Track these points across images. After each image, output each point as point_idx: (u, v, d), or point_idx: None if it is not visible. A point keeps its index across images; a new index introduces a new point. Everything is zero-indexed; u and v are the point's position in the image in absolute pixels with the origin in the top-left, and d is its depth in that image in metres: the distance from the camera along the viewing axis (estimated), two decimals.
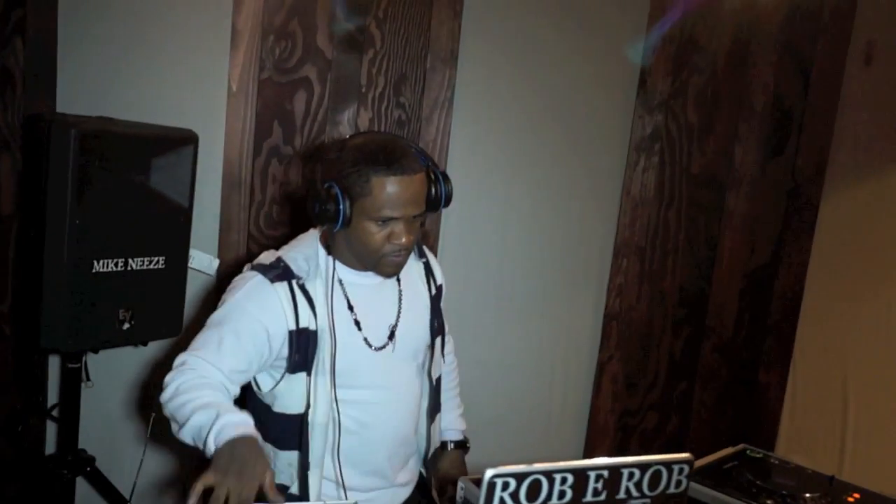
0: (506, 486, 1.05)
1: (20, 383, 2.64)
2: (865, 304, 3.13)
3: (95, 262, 2.27)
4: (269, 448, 1.81)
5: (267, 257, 1.86)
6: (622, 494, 1.15)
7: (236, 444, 1.54)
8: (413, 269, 1.98)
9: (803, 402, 3.30)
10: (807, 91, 3.15)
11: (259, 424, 1.68)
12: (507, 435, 3.05)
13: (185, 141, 2.47)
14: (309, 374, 1.78)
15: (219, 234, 2.81)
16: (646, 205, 3.13)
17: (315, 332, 1.77)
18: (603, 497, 1.14)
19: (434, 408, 2.03)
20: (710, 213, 3.22)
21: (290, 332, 1.76)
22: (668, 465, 1.19)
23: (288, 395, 1.82)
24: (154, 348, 2.71)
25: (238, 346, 1.74)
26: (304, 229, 2.91)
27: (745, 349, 3.33)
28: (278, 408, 1.84)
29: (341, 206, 1.71)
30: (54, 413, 2.67)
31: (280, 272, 1.78)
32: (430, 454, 2.03)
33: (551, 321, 3.16)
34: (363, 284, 1.86)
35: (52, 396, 2.74)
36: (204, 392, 1.67)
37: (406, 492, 2.01)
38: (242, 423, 1.60)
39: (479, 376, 3.08)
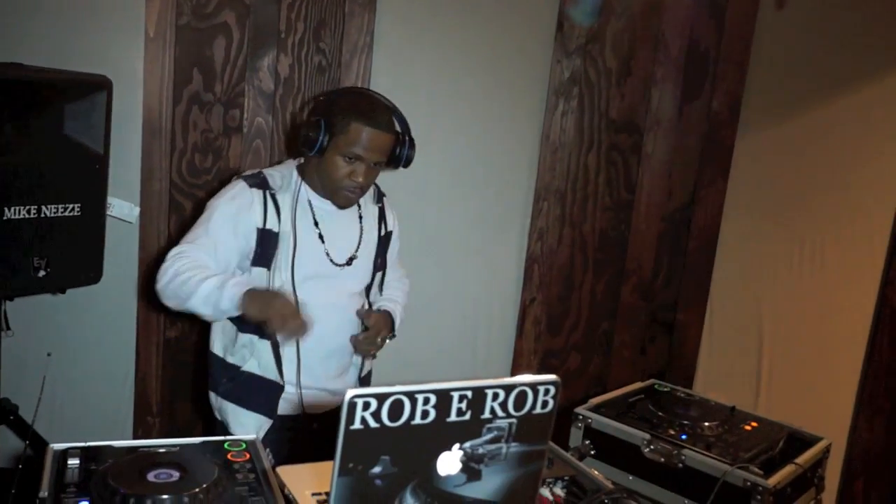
0: (367, 405, 1.09)
1: None
2: (779, 243, 3.20)
3: (6, 209, 2.26)
4: (229, 325, 2.16)
5: (251, 171, 2.20)
6: (487, 414, 1.18)
7: (255, 291, 1.98)
8: (369, 211, 2.31)
9: (720, 340, 3.39)
10: (721, 35, 3.19)
11: None
12: (431, 377, 3.10)
13: (98, 86, 2.45)
14: (268, 269, 2.11)
15: (140, 182, 2.81)
16: (565, 149, 3.17)
17: (277, 234, 2.11)
18: (468, 417, 1.17)
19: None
20: (629, 156, 3.27)
21: (258, 230, 2.10)
22: (533, 386, 1.22)
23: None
24: (75, 295, 2.71)
25: (224, 237, 2.08)
26: (228, 176, 2.93)
27: (663, 290, 3.42)
28: None
29: (321, 137, 2.07)
30: None
31: (258, 181, 2.13)
32: (362, 372, 2.34)
33: (474, 264, 3.21)
34: (328, 209, 2.19)
35: None
36: (201, 270, 2.02)
37: (337, 400, 2.07)
38: (248, 282, 2.04)
39: (403, 320, 3.13)
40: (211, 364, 2.22)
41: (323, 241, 2.18)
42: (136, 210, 2.78)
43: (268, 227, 2.11)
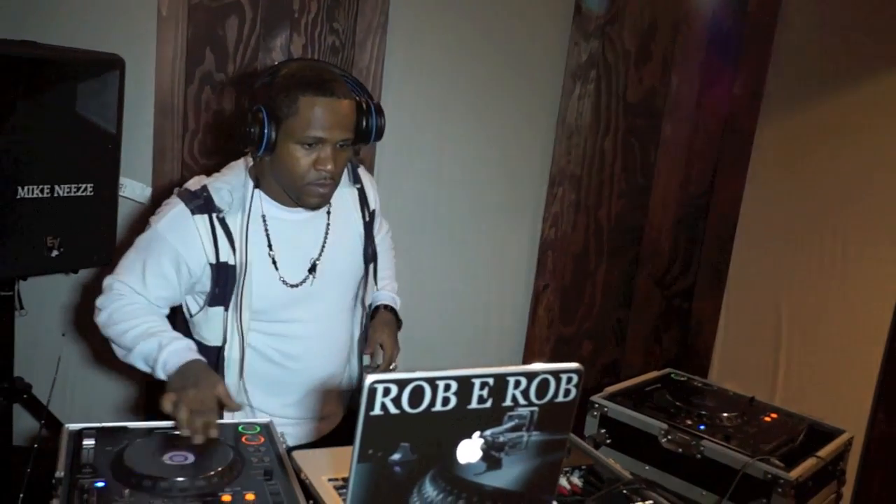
0: (387, 391, 1.06)
1: None
2: (799, 233, 3.14)
3: (20, 189, 2.24)
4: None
5: (194, 183, 1.84)
6: (508, 402, 1.17)
7: (186, 367, 1.63)
8: (346, 197, 1.95)
9: (736, 331, 3.35)
10: (744, 17, 3.14)
11: None
12: (441, 364, 3.09)
13: (111, 65, 2.42)
14: (226, 309, 1.79)
15: (152, 162, 2.78)
16: (581, 133, 3.13)
17: (234, 267, 1.77)
18: (489, 405, 1.15)
19: (366, 337, 2.04)
20: (647, 141, 3.23)
21: (211, 266, 1.76)
22: (555, 374, 1.20)
23: (205, 326, 1.84)
24: (87, 275, 2.70)
25: (160, 274, 1.76)
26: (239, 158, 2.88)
27: (679, 278, 3.39)
28: (196, 335, 1.86)
29: (266, 130, 1.68)
30: None
31: (202, 203, 1.76)
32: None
33: (487, 251, 3.18)
34: (287, 220, 1.83)
35: None
36: (139, 320, 1.73)
37: (330, 424, 2.02)
38: (186, 348, 1.68)
39: (415, 306, 3.10)
40: None
41: (276, 267, 1.82)
42: (148, 191, 2.76)
43: (221, 259, 1.76)
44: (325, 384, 1.94)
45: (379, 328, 2.03)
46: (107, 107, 2.43)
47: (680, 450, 2.01)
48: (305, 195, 1.76)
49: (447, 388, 1.11)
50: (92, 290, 2.78)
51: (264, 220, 1.81)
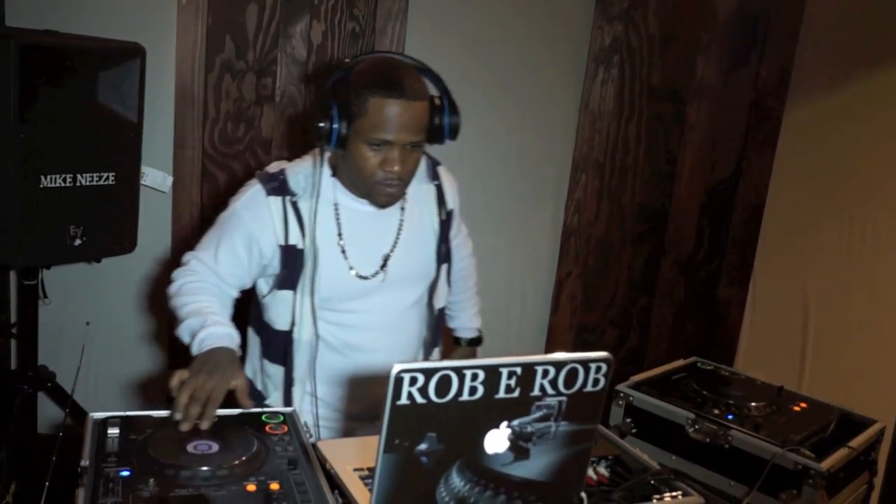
0: (414, 381, 1.05)
1: None
2: (828, 218, 3.10)
3: (43, 178, 2.25)
4: (257, 358, 1.89)
5: (274, 166, 1.85)
6: (536, 392, 1.15)
7: (214, 352, 1.61)
8: (423, 193, 1.92)
9: (763, 318, 3.32)
10: None
11: (255, 329, 1.87)
12: None
13: (132, 54, 2.43)
14: (295, 292, 1.80)
15: (173, 151, 2.78)
16: (605, 118, 3.10)
17: (302, 251, 1.77)
18: (516, 394, 1.13)
19: (433, 341, 2.01)
20: (671, 126, 3.19)
21: (281, 247, 1.77)
22: (584, 363, 1.18)
23: (273, 309, 1.84)
24: (110, 264, 2.70)
25: (233, 252, 1.78)
26: (261, 146, 2.89)
27: (705, 265, 3.35)
28: (266, 318, 1.87)
29: (335, 126, 1.67)
30: (14, 331, 2.68)
31: (277, 185, 1.78)
32: None
33: (509, 238, 3.15)
34: (360, 211, 1.82)
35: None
36: (200, 297, 1.74)
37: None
38: (226, 335, 1.66)
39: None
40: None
41: (346, 256, 1.82)
42: (170, 179, 2.76)
43: (290, 242, 1.77)
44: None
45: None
46: (128, 95, 2.44)
47: (707, 440, 1.98)
48: (374, 194, 1.76)
49: (474, 377, 1.09)
50: (115, 279, 2.80)
51: (336, 209, 1.81)
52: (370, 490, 1.12)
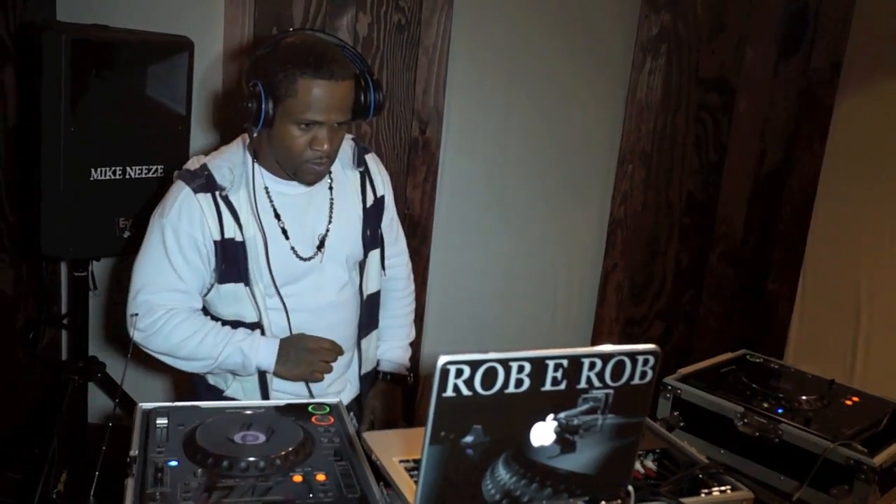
0: (460, 373, 1.04)
1: (35, 293, 2.70)
2: (879, 208, 3.05)
3: (93, 171, 2.28)
4: None
5: (193, 163, 1.83)
6: (583, 384, 1.13)
7: (280, 344, 1.79)
8: (348, 178, 1.92)
9: (814, 311, 3.26)
10: None
11: None
12: (508, 343, 3.07)
13: (181, 47, 2.44)
14: (247, 285, 1.78)
15: (220, 143, 2.80)
16: (652, 109, 3.06)
17: (242, 243, 1.76)
18: (563, 387, 1.12)
19: (367, 324, 2.00)
20: (719, 116, 3.14)
21: (216, 243, 1.75)
22: (631, 355, 1.17)
23: (220, 303, 1.82)
24: None
25: (186, 263, 1.76)
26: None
27: (754, 257, 3.29)
28: (214, 312, 1.85)
29: (263, 106, 1.65)
30: (65, 322, 2.73)
31: (203, 181, 1.75)
32: (362, 370, 2.01)
33: (554, 229, 3.14)
34: (290, 193, 1.82)
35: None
36: (202, 325, 1.79)
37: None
38: (266, 345, 1.79)
39: (482, 284, 3.09)
40: (192, 381, 1.97)
41: (287, 237, 1.82)
42: None
43: (227, 236, 1.75)
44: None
45: (373, 398, 2.05)
46: (177, 88, 2.45)
47: (757, 434, 1.94)
48: (301, 172, 1.76)
49: (520, 369, 1.09)
50: None
51: (268, 193, 1.80)
52: (416, 482, 1.11)
